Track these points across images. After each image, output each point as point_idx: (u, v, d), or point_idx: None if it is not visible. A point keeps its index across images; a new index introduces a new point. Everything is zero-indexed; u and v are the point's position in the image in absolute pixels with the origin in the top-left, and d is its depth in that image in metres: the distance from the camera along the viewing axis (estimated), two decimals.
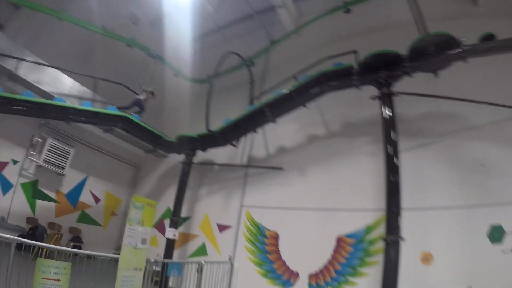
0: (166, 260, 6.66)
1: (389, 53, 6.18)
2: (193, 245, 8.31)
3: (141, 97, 8.45)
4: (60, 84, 7.78)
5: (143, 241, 5.19)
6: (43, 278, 3.96)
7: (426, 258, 6.17)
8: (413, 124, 7.16)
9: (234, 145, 8.26)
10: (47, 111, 6.92)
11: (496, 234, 6.15)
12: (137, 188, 10.06)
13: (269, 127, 7.98)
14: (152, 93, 8.69)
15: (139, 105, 8.31)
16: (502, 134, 6.77)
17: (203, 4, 9.01)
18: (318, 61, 7.35)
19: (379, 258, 6.02)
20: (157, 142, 8.51)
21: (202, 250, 8.11)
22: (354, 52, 7.00)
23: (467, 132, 6.91)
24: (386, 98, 6.09)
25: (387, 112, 5.98)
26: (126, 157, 9.94)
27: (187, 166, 8.29)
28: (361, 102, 6.98)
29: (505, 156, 6.58)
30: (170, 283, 7.35)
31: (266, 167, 8.04)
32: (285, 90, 7.09)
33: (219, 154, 8.79)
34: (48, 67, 7.50)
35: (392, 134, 5.88)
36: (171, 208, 8.03)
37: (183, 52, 9.95)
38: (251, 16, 9.80)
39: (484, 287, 5.74)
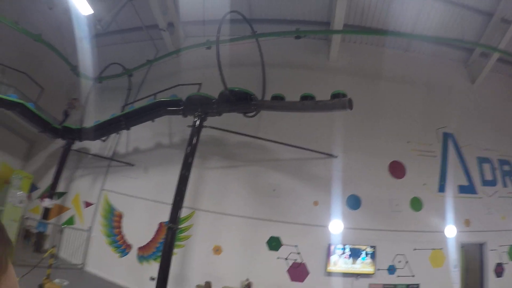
0: (34, 218, 9.46)
1: (203, 96, 8.68)
2: (66, 216, 11.02)
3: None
4: None
5: (20, 202, 7.91)
6: None
7: (217, 250, 9.07)
8: (231, 148, 10.04)
9: (103, 140, 10.95)
10: None
11: (274, 244, 8.93)
12: (30, 162, 12.51)
13: (131, 130, 10.57)
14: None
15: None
16: (296, 169, 9.79)
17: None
18: (173, 86, 9.90)
19: (185, 242, 9.12)
20: (46, 127, 10.73)
21: (71, 220, 10.84)
22: (199, 84, 9.63)
23: (270, 162, 9.90)
24: (196, 128, 8.53)
25: (193, 136, 8.47)
26: (22, 132, 12.16)
27: (65, 151, 10.88)
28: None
29: (293, 186, 9.54)
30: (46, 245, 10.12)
31: (123, 162, 10.85)
32: (134, 108, 9.68)
33: (95, 144, 11.38)
34: None
35: (192, 148, 8.40)
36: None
37: (84, 47, 12.05)
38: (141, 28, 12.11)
39: (258, 281, 8.45)
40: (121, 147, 11.32)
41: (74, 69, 11.54)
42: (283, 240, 8.96)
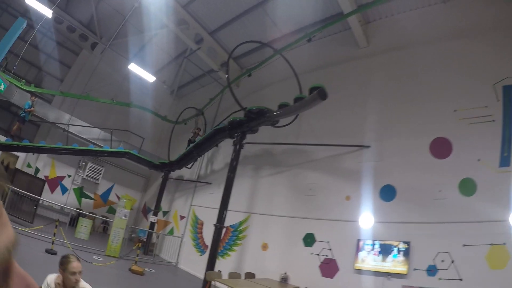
0: (135, 227, 13.27)
1: (238, 119, 10.81)
2: (168, 228, 14.87)
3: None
4: (92, 134, 14.92)
5: (125, 216, 11.65)
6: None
7: (264, 247, 10.55)
8: (277, 157, 11.84)
9: (188, 168, 14.25)
10: (85, 152, 14.06)
11: (308, 240, 9.52)
12: (146, 192, 17.10)
13: (208, 155, 13.88)
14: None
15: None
16: (329, 166, 10.13)
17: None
18: (228, 116, 12.24)
19: (242, 241, 11.25)
20: (149, 165, 15.01)
21: (171, 231, 14.54)
22: (244, 108, 11.81)
23: (308, 163, 10.82)
24: (237, 146, 10.63)
25: (236, 152, 10.51)
26: (139, 171, 16.91)
27: (164, 180, 14.65)
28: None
29: (327, 183, 9.98)
30: (154, 250, 13.85)
31: (203, 182, 14.04)
32: (200, 138, 12.55)
33: (187, 171, 15.08)
34: (83, 123, 14.66)
35: (235, 163, 10.37)
36: (161, 205, 14.66)
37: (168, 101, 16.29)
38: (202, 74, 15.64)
39: (294, 275, 9.27)
40: (203, 170, 14.63)
41: (165, 118, 15.60)
42: (317, 237, 9.39)
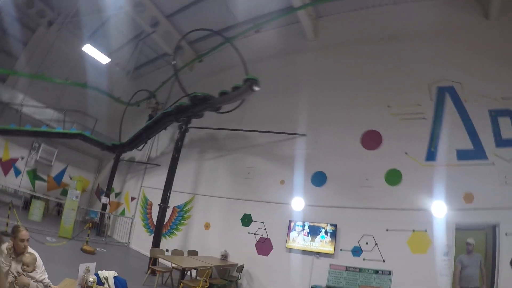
0: (87, 208, 13.52)
1: (184, 104, 11.16)
2: (120, 209, 15.11)
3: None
4: (46, 115, 14.86)
5: (76, 197, 11.81)
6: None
7: (207, 226, 11.27)
8: (221, 141, 12.35)
9: (139, 150, 14.48)
10: (38, 134, 14.05)
11: (246, 220, 10.33)
12: (100, 173, 17.26)
13: (158, 138, 14.21)
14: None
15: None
16: (267, 151, 10.81)
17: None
18: (181, 97, 12.38)
19: (187, 221, 11.70)
20: (101, 146, 15.14)
21: (123, 212, 14.84)
22: (190, 94, 12.05)
23: (248, 148, 11.52)
24: (182, 129, 11.18)
25: (180, 135, 11.11)
26: (93, 153, 17.00)
27: (115, 161, 14.90)
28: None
29: (264, 168, 10.70)
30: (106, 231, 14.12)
31: (153, 164, 14.40)
32: (148, 122, 12.79)
33: (139, 153, 15.35)
34: (37, 104, 14.56)
35: (179, 145, 11.03)
36: (113, 186, 14.86)
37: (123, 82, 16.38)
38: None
39: (233, 252, 9.98)
40: (153, 152, 15.00)
41: (118, 100, 15.66)
42: (254, 217, 10.19)
